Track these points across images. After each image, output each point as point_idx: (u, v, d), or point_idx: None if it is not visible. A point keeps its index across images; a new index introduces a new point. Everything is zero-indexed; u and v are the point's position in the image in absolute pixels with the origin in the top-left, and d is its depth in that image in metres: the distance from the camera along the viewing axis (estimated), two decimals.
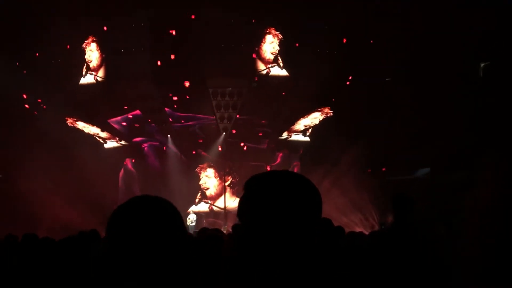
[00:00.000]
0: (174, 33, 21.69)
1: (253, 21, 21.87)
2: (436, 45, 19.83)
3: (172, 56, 21.78)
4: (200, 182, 23.69)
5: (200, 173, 23.81)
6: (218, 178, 23.79)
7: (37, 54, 22.16)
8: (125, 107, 23.14)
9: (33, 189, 18.91)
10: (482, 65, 21.35)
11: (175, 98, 22.69)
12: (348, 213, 20.06)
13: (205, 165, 23.78)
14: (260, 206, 1.66)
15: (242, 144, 23.13)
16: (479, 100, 19.33)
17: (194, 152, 23.66)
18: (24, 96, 22.06)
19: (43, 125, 20.84)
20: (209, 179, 23.78)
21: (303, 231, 1.65)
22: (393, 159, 21.14)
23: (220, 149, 23.33)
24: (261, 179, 1.74)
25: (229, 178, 23.66)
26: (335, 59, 21.76)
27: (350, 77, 22.25)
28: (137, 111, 23.34)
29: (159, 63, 21.93)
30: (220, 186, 23.72)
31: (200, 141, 23.47)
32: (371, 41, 21.94)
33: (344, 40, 22.05)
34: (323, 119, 23.18)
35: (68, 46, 22.44)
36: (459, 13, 19.30)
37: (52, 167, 19.79)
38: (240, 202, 1.73)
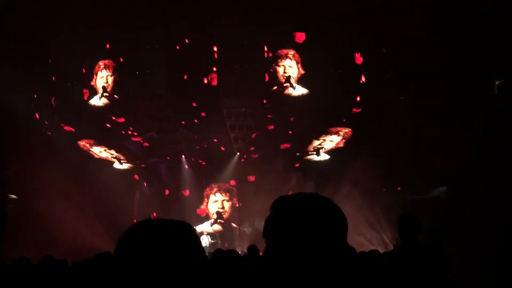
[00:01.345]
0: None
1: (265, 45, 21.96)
2: (451, 63, 19.77)
3: (185, 77, 21.89)
4: (217, 205, 23.64)
5: (213, 194, 23.75)
6: (230, 201, 23.75)
7: (53, 78, 22.39)
8: (140, 129, 23.23)
9: (49, 210, 19.00)
10: (497, 83, 21.24)
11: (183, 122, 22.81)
12: (364, 231, 19.90)
13: (221, 187, 23.74)
14: (288, 227, 1.64)
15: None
16: (494, 118, 19.20)
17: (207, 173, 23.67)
18: (37, 116, 22.25)
19: (58, 145, 21.03)
20: (226, 202, 23.76)
21: (329, 254, 1.63)
22: (408, 178, 20.99)
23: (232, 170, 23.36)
24: (289, 200, 1.72)
25: (241, 201, 23.64)
26: (348, 78, 21.80)
27: (361, 97, 22.21)
28: (152, 132, 23.42)
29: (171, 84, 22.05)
30: (233, 208, 23.71)
31: (214, 161, 23.46)
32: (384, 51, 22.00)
33: (357, 55, 22.08)
34: (342, 140, 23.09)
35: (83, 70, 22.64)
36: (475, 30, 19.26)
37: (68, 188, 19.88)
38: (267, 222, 1.71)
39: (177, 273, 1.56)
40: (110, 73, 22.77)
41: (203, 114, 22.28)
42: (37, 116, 22.27)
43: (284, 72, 22.29)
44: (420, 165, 20.31)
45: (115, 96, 22.59)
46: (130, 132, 22.99)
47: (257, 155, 23.02)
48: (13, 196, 22.16)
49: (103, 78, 22.84)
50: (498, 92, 21.18)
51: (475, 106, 19.56)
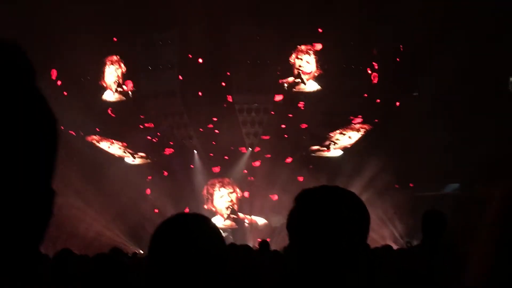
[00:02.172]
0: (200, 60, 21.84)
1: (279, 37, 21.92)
2: (467, 59, 19.63)
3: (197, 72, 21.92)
4: (225, 199, 23.65)
5: (218, 190, 23.74)
6: (235, 192, 23.75)
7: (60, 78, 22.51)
8: (152, 124, 23.29)
9: (61, 204, 19.14)
10: (511, 79, 21.07)
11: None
12: (375, 227, 19.85)
13: (219, 181, 23.74)
14: (312, 221, 1.65)
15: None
16: (509, 115, 19.05)
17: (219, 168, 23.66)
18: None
19: (71, 141, 21.15)
20: (232, 194, 23.75)
21: (353, 248, 1.64)
22: (421, 175, 20.89)
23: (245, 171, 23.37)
24: (313, 194, 1.72)
25: (244, 193, 23.64)
26: (364, 74, 21.74)
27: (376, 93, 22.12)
28: (164, 127, 23.48)
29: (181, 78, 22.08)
30: (239, 202, 23.73)
31: (226, 158, 23.44)
32: (401, 48, 21.90)
33: (375, 52, 21.99)
34: (360, 138, 23.02)
35: (104, 67, 22.70)
36: (490, 27, 19.12)
37: (81, 184, 20.01)
38: (290, 215, 1.71)
39: (210, 263, 1.62)
40: (117, 67, 22.89)
41: (214, 119, 22.32)
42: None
43: (300, 66, 22.28)
44: (433, 162, 20.21)
45: (127, 89, 22.69)
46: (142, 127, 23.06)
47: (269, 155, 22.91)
48: None
49: (112, 73, 22.96)
50: None
51: (490, 103, 19.41)
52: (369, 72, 22.08)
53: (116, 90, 22.89)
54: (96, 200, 20.23)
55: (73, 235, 18.13)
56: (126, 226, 20.36)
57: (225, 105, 22.39)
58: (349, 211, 1.67)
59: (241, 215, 23.57)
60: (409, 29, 20.63)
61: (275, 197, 21.74)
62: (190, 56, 22.13)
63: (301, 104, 22.28)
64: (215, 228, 1.75)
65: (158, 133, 23.50)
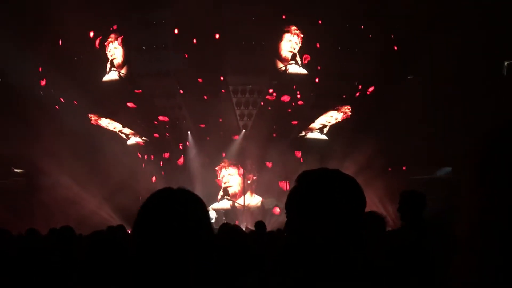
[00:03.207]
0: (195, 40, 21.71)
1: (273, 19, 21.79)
2: (460, 43, 19.61)
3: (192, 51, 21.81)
4: (224, 180, 23.77)
5: (221, 170, 23.87)
6: (240, 176, 23.85)
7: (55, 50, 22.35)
8: (147, 104, 23.20)
9: (54, 183, 19.12)
10: (506, 63, 21.05)
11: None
12: (370, 209, 19.94)
13: (227, 162, 23.83)
14: (313, 201, 1.69)
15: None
16: (502, 99, 19.08)
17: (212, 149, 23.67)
18: (42, 83, 22.27)
19: (66, 120, 21.09)
20: (232, 177, 23.85)
21: (349, 228, 1.69)
22: (414, 158, 20.96)
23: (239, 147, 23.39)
24: (314, 175, 1.78)
25: (250, 176, 23.71)
26: (358, 57, 21.69)
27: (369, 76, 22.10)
28: (159, 108, 23.41)
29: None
30: (241, 185, 23.78)
31: (222, 133, 23.37)
32: (392, 37, 21.85)
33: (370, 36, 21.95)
34: (342, 118, 23.07)
35: (97, 45, 22.55)
36: (483, 11, 19.07)
37: (73, 162, 19.98)
38: (290, 195, 1.76)
39: (191, 240, 1.63)
40: (116, 46, 22.73)
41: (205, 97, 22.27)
42: (42, 84, 22.27)
43: (292, 48, 22.19)
44: (426, 146, 20.27)
45: (122, 71, 22.58)
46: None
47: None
48: (18, 170, 22.31)
49: (110, 51, 22.81)
50: (507, 72, 21.02)
51: (484, 86, 19.42)
52: (363, 55, 22.02)
53: (110, 69, 22.74)
54: (89, 179, 20.21)
55: (66, 214, 18.12)
56: (119, 205, 20.36)
57: (220, 87, 22.33)
58: (347, 194, 1.72)
59: (240, 202, 23.68)
60: (403, 16, 20.61)
61: (269, 164, 21.95)
62: (185, 36, 21.97)
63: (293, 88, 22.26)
64: (200, 203, 1.76)
65: (153, 113, 23.42)
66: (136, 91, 22.60)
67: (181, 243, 1.61)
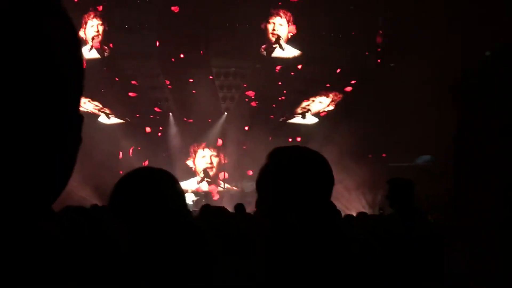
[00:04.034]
0: (177, 10, 21.43)
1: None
2: (439, 30, 19.69)
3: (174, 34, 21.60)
4: (205, 161, 23.69)
5: (202, 149, 23.76)
6: (218, 159, 23.80)
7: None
8: (130, 83, 22.98)
9: None
10: (487, 53, 21.18)
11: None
12: (347, 196, 20.07)
13: (206, 145, 23.75)
14: (284, 179, 1.69)
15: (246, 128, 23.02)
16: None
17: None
18: None
19: None
20: (214, 158, 23.79)
21: (318, 203, 1.69)
22: (394, 146, 21.09)
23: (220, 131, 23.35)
24: (284, 152, 1.78)
25: (223, 160, 23.68)
26: (341, 43, 21.69)
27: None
28: (140, 88, 23.21)
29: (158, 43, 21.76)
30: (219, 167, 23.78)
31: (210, 120, 23.32)
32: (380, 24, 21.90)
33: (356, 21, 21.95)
34: (330, 104, 23.07)
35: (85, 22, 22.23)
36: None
37: None
38: (260, 173, 1.76)
39: (164, 218, 1.62)
40: (100, 23, 22.40)
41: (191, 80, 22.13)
42: None
43: (273, 30, 22.05)
44: (406, 133, 20.40)
45: (105, 49, 22.30)
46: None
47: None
48: None
49: (93, 27, 22.45)
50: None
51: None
52: (349, 40, 22.02)
53: (92, 47, 22.44)
54: None
55: None
56: (98, 186, 20.23)
57: (202, 68, 22.18)
58: (316, 170, 1.72)
59: (221, 185, 23.65)
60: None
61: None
62: (168, 17, 21.76)
63: (277, 69, 22.14)
64: (177, 184, 1.74)
65: (134, 94, 23.22)
66: (133, 82, 22.42)
67: (158, 222, 1.60)
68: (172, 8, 21.32)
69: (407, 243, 4.74)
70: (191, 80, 22.07)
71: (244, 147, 21.84)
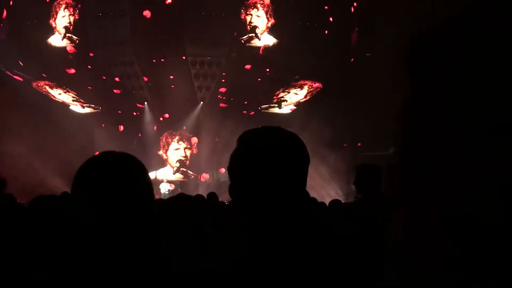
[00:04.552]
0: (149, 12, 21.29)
1: None
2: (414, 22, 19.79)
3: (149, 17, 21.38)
4: (179, 153, 23.56)
5: (177, 142, 23.64)
6: (192, 149, 23.71)
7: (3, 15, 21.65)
8: (103, 73, 22.72)
9: (5, 151, 18.67)
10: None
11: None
12: (323, 184, 20.18)
13: (183, 134, 23.61)
14: (254, 162, 1.63)
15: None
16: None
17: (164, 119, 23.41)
18: None
19: (17, 86, 20.57)
20: (188, 150, 23.69)
21: (293, 186, 1.63)
22: (369, 134, 21.23)
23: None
24: (254, 134, 1.72)
25: (194, 149, 23.60)
26: (318, 32, 21.73)
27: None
28: (115, 77, 22.95)
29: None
30: (188, 157, 23.71)
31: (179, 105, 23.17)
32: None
33: (326, 7, 21.96)
34: (308, 93, 23.08)
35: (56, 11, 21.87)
36: None
37: (26, 131, 19.49)
38: (231, 157, 1.70)
39: (126, 200, 1.59)
40: (71, 13, 22.08)
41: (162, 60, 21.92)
42: None
43: (250, 22, 22.01)
44: (380, 122, 20.53)
45: (76, 38, 22.00)
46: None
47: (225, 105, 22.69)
48: None
49: (64, 17, 22.14)
50: None
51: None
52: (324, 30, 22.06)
53: (65, 36, 22.11)
54: (41, 148, 19.76)
55: (14, 183, 17.62)
56: (72, 174, 20.03)
57: (177, 56, 22.03)
58: (289, 150, 1.66)
59: (190, 172, 23.57)
60: None
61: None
62: (143, 5, 21.56)
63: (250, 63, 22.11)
64: (142, 168, 1.70)
65: (108, 83, 22.95)
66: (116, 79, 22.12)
67: (121, 206, 1.57)
68: None
69: (368, 228, 4.77)
70: (169, 73, 21.92)
71: (217, 139, 21.74)
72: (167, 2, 21.32)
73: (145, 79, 22.50)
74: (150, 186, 1.69)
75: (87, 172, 1.64)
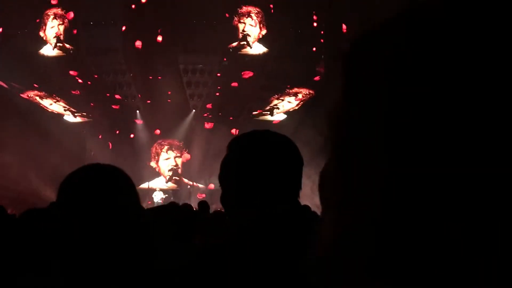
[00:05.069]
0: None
1: None
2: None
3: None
4: (170, 162, 23.51)
5: (165, 152, 23.59)
6: (181, 159, 23.67)
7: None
8: (94, 81, 22.66)
9: None
10: None
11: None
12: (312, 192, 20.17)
13: (172, 143, 23.57)
14: (246, 167, 1.58)
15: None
16: None
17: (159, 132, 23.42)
18: None
19: (8, 96, 20.52)
20: (178, 159, 23.66)
21: (287, 194, 1.59)
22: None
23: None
24: (244, 139, 1.67)
25: (186, 157, 23.56)
26: (310, 39, 21.82)
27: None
28: (106, 85, 22.91)
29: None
30: (180, 166, 23.67)
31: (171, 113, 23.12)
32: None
33: (315, 18, 22.03)
34: (300, 101, 23.11)
35: (45, 21, 21.86)
36: None
37: (18, 141, 19.40)
38: (221, 165, 1.65)
39: (112, 215, 1.58)
40: (60, 22, 22.06)
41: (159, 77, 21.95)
42: None
43: (243, 30, 22.07)
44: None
45: (69, 46, 21.98)
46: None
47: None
48: None
49: (54, 28, 22.11)
50: None
51: None
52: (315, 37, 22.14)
53: (56, 45, 22.08)
54: (33, 157, 19.67)
55: (5, 193, 17.55)
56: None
57: (168, 65, 22.03)
58: (281, 153, 1.60)
59: (185, 180, 23.52)
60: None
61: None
62: (134, 11, 21.57)
63: (246, 73, 22.14)
64: (129, 180, 1.69)
65: (99, 91, 22.91)
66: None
67: (106, 220, 1.57)
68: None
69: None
70: (159, 78, 21.93)
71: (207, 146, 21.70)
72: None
73: (139, 96, 22.53)
74: (136, 198, 1.68)
75: (71, 184, 1.64)
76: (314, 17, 22.07)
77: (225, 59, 22.23)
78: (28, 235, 2.57)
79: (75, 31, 22.03)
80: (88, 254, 1.56)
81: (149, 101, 22.73)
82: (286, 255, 1.46)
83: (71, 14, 21.86)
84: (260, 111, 23.51)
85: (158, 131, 23.28)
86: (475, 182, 0.44)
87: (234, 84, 22.10)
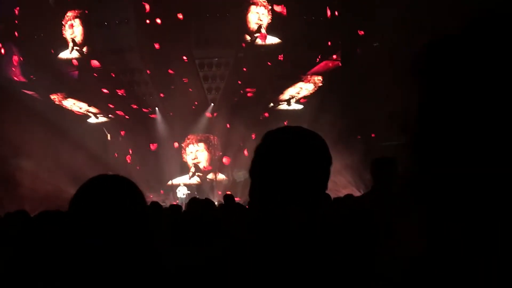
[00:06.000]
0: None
1: None
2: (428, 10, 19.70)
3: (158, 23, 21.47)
4: (191, 157, 23.62)
5: (188, 146, 23.70)
6: (208, 152, 23.74)
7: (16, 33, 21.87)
8: (112, 81, 22.81)
9: (24, 166, 18.82)
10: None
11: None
12: (339, 175, 20.09)
13: (194, 138, 23.65)
14: (273, 165, 1.59)
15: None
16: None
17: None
18: None
19: (30, 100, 20.71)
20: (200, 153, 23.74)
21: (315, 187, 1.60)
22: (381, 125, 21.13)
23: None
24: (276, 134, 1.67)
25: (217, 152, 23.63)
26: (325, 26, 21.72)
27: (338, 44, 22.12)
28: (124, 84, 23.05)
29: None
30: (209, 160, 23.73)
31: (194, 106, 23.21)
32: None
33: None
34: (313, 89, 23.03)
35: (64, 23, 22.07)
36: None
37: (43, 145, 19.62)
38: (254, 157, 1.65)
39: (121, 226, 1.64)
40: (78, 24, 22.25)
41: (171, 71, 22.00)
42: None
43: (259, 20, 22.03)
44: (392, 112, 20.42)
45: (84, 49, 22.17)
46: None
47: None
48: None
49: (71, 29, 22.31)
50: None
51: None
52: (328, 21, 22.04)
53: (73, 48, 22.27)
54: (53, 160, 19.89)
55: (26, 196, 17.78)
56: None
57: (185, 59, 22.06)
58: (312, 150, 1.62)
59: (210, 176, 23.63)
60: None
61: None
62: (147, 10, 21.63)
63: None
64: (133, 190, 1.74)
65: (118, 90, 23.07)
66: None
67: (113, 231, 1.62)
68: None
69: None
70: (171, 72, 21.98)
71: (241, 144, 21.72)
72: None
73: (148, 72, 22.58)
74: (141, 207, 1.73)
75: (85, 193, 1.69)
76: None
77: (243, 44, 22.10)
78: (38, 239, 2.63)
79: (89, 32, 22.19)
80: (93, 260, 1.61)
81: (169, 109, 22.77)
82: (287, 255, 1.49)
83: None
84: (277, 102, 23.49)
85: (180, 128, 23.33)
86: None
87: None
